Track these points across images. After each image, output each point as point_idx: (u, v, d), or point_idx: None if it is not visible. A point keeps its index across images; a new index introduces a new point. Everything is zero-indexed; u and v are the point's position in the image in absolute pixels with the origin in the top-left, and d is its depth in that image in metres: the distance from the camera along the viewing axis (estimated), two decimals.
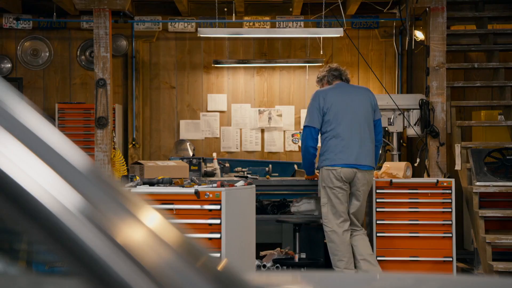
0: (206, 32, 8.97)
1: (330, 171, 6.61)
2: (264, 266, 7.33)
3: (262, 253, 7.56)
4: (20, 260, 1.51)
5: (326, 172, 6.63)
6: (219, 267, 1.07)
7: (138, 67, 10.48)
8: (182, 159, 8.32)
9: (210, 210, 5.28)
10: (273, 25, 10.36)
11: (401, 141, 9.16)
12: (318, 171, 6.94)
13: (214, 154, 9.22)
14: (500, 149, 7.86)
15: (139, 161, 7.59)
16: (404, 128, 8.50)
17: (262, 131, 10.44)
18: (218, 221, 5.25)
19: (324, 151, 6.71)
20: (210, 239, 5.20)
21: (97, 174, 1.02)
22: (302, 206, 7.61)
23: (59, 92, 10.51)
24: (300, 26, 10.32)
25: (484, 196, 7.76)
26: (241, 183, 5.85)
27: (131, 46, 10.46)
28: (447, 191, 7.07)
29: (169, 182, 5.70)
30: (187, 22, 10.42)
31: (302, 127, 6.98)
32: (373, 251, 7.01)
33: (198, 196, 5.29)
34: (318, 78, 7.02)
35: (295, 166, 9.26)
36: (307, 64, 10.30)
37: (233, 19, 9.60)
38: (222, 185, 5.42)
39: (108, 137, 8.26)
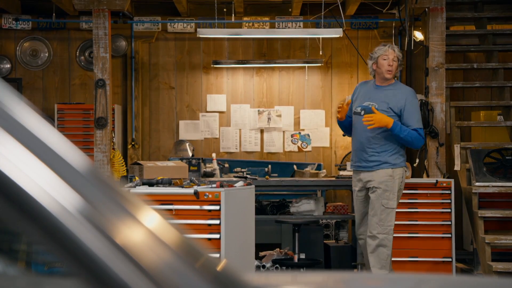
0: (206, 33, 8.97)
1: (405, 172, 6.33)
2: (264, 266, 7.34)
3: (261, 254, 7.56)
4: (19, 260, 1.51)
5: (403, 174, 6.24)
6: (218, 268, 1.07)
7: (138, 67, 10.48)
8: (181, 159, 8.32)
9: (210, 210, 5.28)
10: (272, 26, 10.36)
11: None
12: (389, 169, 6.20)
13: (214, 155, 9.22)
14: (499, 150, 7.86)
15: (138, 161, 7.58)
16: None
17: (262, 131, 10.44)
18: (217, 222, 5.25)
19: (400, 149, 6.24)
20: (209, 239, 5.20)
21: (96, 175, 1.02)
22: (301, 206, 7.62)
23: (59, 92, 10.51)
24: (300, 26, 10.32)
25: (483, 197, 7.75)
26: (240, 183, 5.85)
27: (130, 46, 10.46)
28: (447, 192, 7.07)
29: (169, 183, 5.70)
30: (187, 23, 10.42)
31: (419, 127, 6.20)
32: None
33: (197, 197, 5.29)
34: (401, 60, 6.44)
35: (295, 167, 9.26)
36: (306, 65, 10.30)
37: (233, 20, 9.60)
38: (221, 186, 5.42)
39: (107, 137, 8.25)
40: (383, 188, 6.10)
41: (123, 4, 8.24)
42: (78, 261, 0.97)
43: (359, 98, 6.36)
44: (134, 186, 5.56)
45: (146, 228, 1.02)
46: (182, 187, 5.51)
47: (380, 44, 6.47)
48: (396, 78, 6.48)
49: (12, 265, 1.51)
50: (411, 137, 6.09)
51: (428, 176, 7.92)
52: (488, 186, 7.59)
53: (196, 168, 8.18)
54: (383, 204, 6.09)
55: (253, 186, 6.01)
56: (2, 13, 10.11)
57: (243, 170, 8.92)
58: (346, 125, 6.45)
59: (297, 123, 10.41)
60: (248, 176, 8.04)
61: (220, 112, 10.48)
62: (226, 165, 9.09)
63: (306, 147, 10.27)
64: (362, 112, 6.20)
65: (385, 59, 6.24)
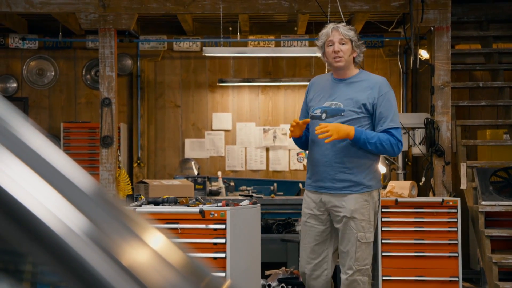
0: (211, 51, 8.99)
1: None
2: (269, 285, 7.30)
3: (267, 273, 7.53)
4: (25, 281, 1.51)
5: (379, 196, 4.97)
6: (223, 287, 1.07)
7: (143, 86, 10.51)
8: (187, 178, 8.32)
9: (215, 229, 5.27)
10: (278, 44, 10.39)
11: (406, 160, 9.16)
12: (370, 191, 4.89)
13: (219, 173, 9.21)
14: (505, 168, 7.83)
15: (144, 180, 7.58)
16: (409, 147, 8.49)
17: (267, 149, 10.44)
18: (223, 241, 5.23)
19: (376, 165, 4.91)
20: (215, 258, 5.18)
21: (102, 196, 1.02)
22: None
23: (65, 111, 10.54)
24: (305, 45, 10.34)
25: (490, 216, 7.72)
26: (246, 202, 5.84)
27: (136, 65, 10.49)
28: (453, 210, 7.04)
29: (174, 201, 5.69)
30: (192, 41, 10.45)
31: (392, 126, 4.73)
32: (379, 270, 6.97)
33: (203, 216, 5.28)
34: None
35: (300, 185, 9.24)
36: None
37: (238, 38, 9.63)
38: (227, 204, 5.41)
39: (113, 156, 8.26)
40: (358, 217, 4.77)
41: (129, 23, 8.27)
42: (83, 282, 0.96)
43: (316, 98, 4.98)
44: (140, 205, 5.56)
45: (151, 248, 1.02)
46: (188, 205, 5.50)
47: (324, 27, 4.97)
48: (360, 67, 5.04)
49: (18, 285, 1.51)
50: (382, 143, 4.68)
51: (434, 194, 7.89)
52: (494, 205, 7.56)
53: (201, 186, 8.17)
54: (359, 238, 4.78)
55: (259, 204, 5.99)
56: (9, 32, 10.17)
57: (248, 188, 8.91)
58: (304, 141, 5.10)
59: None
60: (253, 194, 8.03)
61: (225, 131, 10.49)
62: (232, 184, 9.08)
63: None
64: (323, 116, 4.84)
65: (330, 45, 4.82)
